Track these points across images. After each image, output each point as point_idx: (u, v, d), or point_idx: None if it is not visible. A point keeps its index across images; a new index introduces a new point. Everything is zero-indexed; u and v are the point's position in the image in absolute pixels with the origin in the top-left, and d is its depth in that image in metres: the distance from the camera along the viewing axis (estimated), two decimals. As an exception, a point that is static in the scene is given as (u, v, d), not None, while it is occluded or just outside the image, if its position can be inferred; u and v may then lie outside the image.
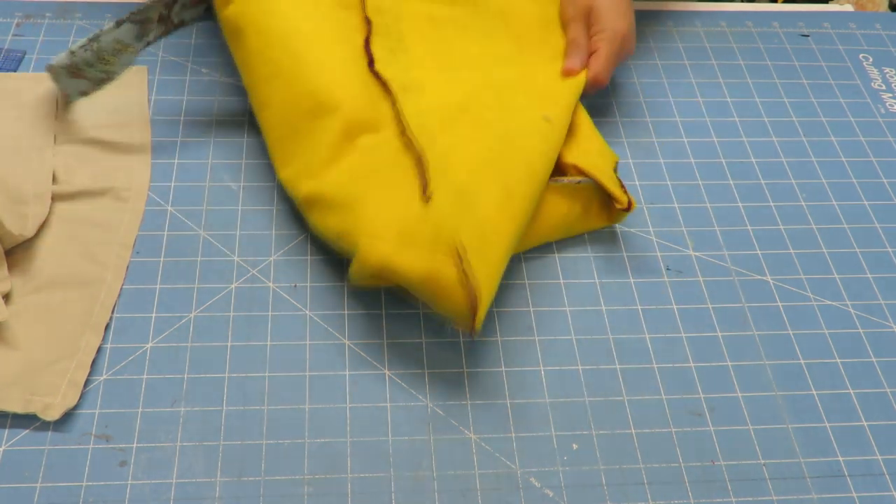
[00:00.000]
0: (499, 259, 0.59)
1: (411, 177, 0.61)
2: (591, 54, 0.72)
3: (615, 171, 0.68)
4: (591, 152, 0.68)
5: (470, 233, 0.58)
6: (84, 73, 0.68)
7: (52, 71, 0.69)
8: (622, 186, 0.66)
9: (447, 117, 0.65)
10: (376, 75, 0.66)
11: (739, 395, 0.61)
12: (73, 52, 0.71)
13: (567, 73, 0.71)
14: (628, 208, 0.66)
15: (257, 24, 0.67)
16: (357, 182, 0.62)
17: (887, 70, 0.85)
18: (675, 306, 0.65)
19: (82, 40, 0.71)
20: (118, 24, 0.72)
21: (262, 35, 0.67)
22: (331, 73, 0.65)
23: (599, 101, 0.79)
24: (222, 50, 0.79)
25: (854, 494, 0.57)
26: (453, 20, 0.73)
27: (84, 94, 0.70)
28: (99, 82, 0.69)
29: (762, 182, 0.74)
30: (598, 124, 0.77)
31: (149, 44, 0.69)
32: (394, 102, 0.65)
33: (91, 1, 0.83)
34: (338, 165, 0.63)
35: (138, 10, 0.67)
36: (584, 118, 0.71)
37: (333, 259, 0.65)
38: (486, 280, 0.57)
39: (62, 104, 0.72)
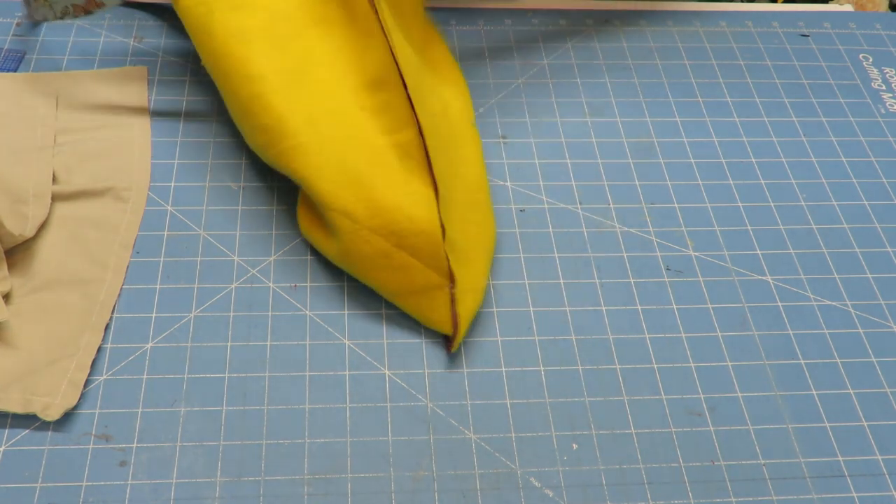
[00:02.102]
0: (479, 285, 0.62)
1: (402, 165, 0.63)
2: None
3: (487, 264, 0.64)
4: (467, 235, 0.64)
5: (461, 240, 0.62)
6: None
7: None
8: (455, 321, 0.61)
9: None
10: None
11: (739, 395, 0.61)
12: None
13: None
14: (449, 347, 0.61)
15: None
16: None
17: (887, 70, 0.85)
18: (675, 306, 0.65)
19: None
20: None
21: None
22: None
23: (598, 100, 0.79)
24: (222, 50, 0.79)
25: (854, 494, 0.57)
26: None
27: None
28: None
29: (762, 182, 0.74)
30: (596, 124, 0.77)
31: None
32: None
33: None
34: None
35: None
36: (470, 172, 0.67)
37: (333, 259, 0.65)
38: (467, 307, 0.61)
39: (62, 104, 0.72)
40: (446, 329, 0.61)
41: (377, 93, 0.65)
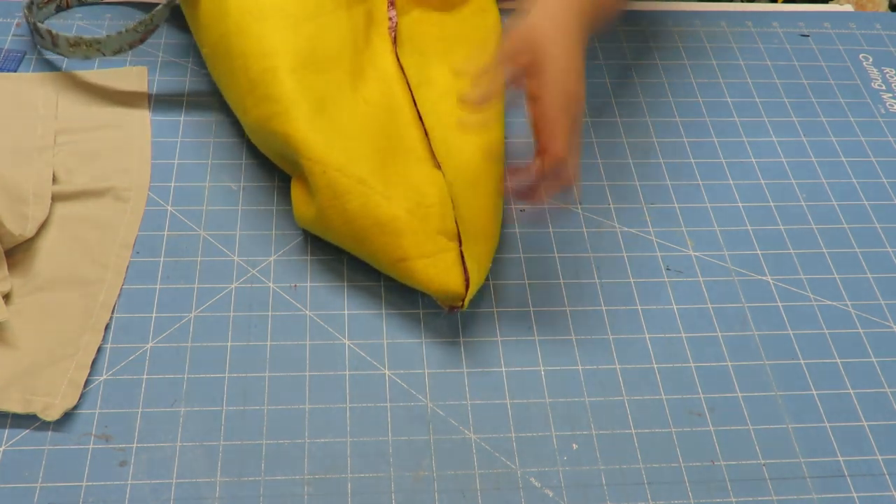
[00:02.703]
0: (487, 252, 0.64)
1: (418, 146, 0.66)
2: (537, 117, 0.59)
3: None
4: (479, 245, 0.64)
5: (467, 222, 0.63)
6: None
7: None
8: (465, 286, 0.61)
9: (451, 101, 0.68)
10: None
11: (739, 395, 0.61)
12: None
13: (462, 101, 0.60)
14: (452, 308, 0.61)
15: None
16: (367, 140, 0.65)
17: (887, 70, 0.85)
18: (675, 306, 0.65)
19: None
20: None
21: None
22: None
23: (599, 101, 0.79)
24: (222, 50, 0.79)
25: (854, 494, 0.57)
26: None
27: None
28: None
29: (762, 182, 0.74)
30: (597, 124, 0.77)
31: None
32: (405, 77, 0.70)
33: (91, 1, 0.83)
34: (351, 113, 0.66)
35: None
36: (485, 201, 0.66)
37: (333, 259, 0.65)
38: (476, 268, 0.61)
39: (62, 104, 0.72)
40: (453, 287, 0.60)
41: (380, 90, 0.68)
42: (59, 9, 0.81)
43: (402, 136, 0.66)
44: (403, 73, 0.70)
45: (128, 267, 0.64)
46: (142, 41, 0.74)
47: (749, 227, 0.71)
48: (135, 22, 0.72)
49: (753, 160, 0.76)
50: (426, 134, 0.66)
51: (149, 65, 0.77)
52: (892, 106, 0.82)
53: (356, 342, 0.61)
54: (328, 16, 0.69)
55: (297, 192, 0.65)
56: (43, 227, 0.64)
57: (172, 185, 0.69)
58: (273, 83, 0.65)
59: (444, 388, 0.59)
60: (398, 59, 0.71)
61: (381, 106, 0.68)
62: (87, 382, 0.57)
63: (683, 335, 0.64)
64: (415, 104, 0.68)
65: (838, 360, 0.63)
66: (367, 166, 0.63)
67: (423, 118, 0.67)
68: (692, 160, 0.75)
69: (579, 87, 0.59)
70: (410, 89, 0.69)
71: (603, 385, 0.60)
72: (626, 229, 0.70)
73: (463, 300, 0.60)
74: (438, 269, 0.61)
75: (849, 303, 0.67)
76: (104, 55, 0.73)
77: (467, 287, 0.60)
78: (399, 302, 0.64)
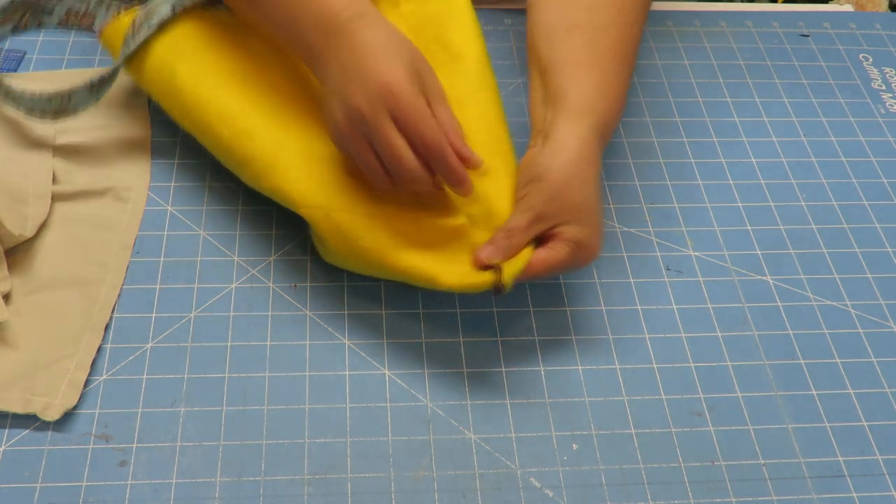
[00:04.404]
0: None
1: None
2: (545, 245, 0.60)
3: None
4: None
5: (490, 212, 0.61)
6: None
7: None
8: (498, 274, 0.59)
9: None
10: None
11: (739, 395, 0.61)
12: None
13: (476, 261, 0.59)
14: (497, 290, 0.59)
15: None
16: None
17: (887, 70, 0.85)
18: (675, 306, 0.65)
19: None
20: None
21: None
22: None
23: (599, 101, 0.79)
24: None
25: (854, 494, 0.57)
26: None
27: None
28: None
29: (762, 182, 0.74)
30: (598, 124, 0.77)
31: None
32: None
33: (49, 25, 0.82)
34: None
35: None
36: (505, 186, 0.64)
37: (333, 259, 0.65)
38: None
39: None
40: (485, 285, 0.58)
41: None
42: (16, 30, 0.75)
43: None
44: None
45: (128, 267, 0.64)
46: (54, 118, 0.67)
47: (749, 227, 0.71)
48: (51, 92, 0.67)
49: (753, 160, 0.76)
50: None
51: (149, 65, 0.77)
52: (892, 106, 0.82)
53: (356, 342, 0.61)
54: (265, 59, 0.67)
55: (315, 235, 0.63)
56: (43, 227, 0.64)
57: (172, 185, 0.69)
58: (249, 144, 0.62)
59: (444, 388, 0.59)
60: None
61: None
62: (87, 382, 0.57)
63: (683, 335, 0.64)
64: None
65: (838, 360, 0.63)
66: (371, 198, 0.60)
67: None
68: (692, 160, 0.75)
69: (598, 245, 0.61)
70: None
71: (603, 385, 0.60)
72: (626, 229, 0.70)
73: (500, 286, 0.58)
74: (470, 279, 0.59)
75: (849, 303, 0.67)
76: (17, 109, 0.68)
77: (500, 274, 0.57)
78: (399, 302, 0.64)
